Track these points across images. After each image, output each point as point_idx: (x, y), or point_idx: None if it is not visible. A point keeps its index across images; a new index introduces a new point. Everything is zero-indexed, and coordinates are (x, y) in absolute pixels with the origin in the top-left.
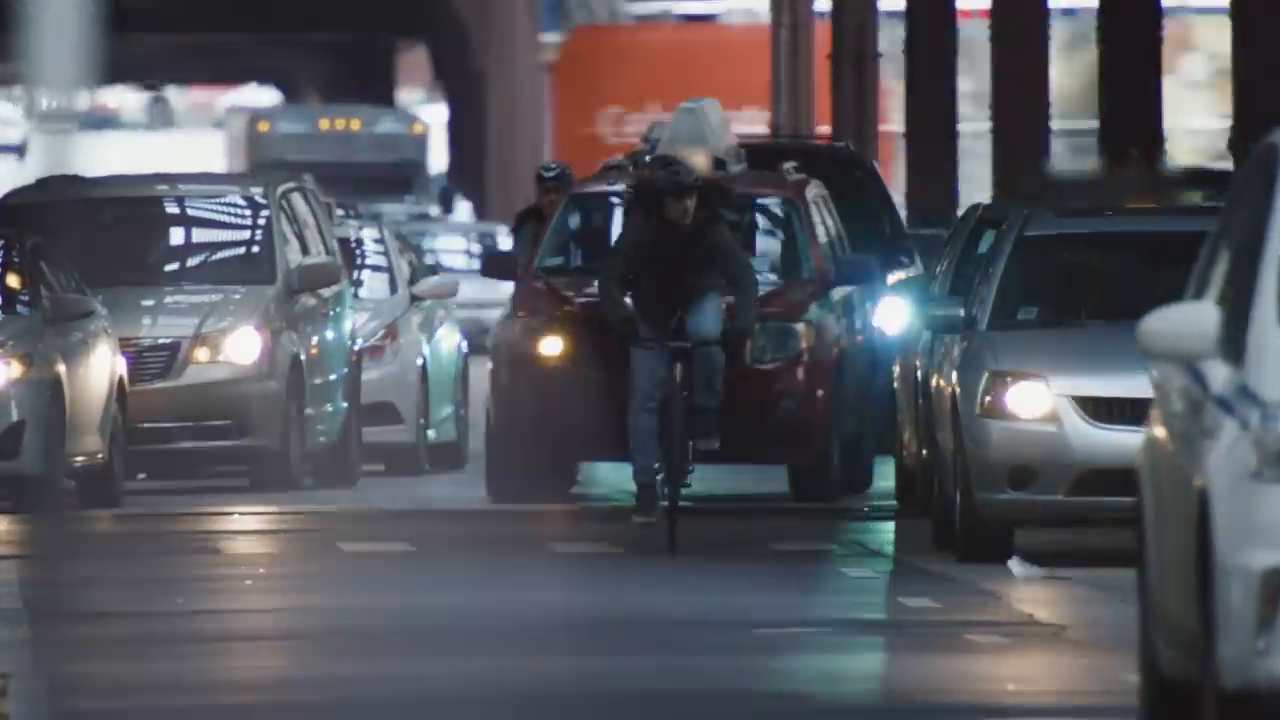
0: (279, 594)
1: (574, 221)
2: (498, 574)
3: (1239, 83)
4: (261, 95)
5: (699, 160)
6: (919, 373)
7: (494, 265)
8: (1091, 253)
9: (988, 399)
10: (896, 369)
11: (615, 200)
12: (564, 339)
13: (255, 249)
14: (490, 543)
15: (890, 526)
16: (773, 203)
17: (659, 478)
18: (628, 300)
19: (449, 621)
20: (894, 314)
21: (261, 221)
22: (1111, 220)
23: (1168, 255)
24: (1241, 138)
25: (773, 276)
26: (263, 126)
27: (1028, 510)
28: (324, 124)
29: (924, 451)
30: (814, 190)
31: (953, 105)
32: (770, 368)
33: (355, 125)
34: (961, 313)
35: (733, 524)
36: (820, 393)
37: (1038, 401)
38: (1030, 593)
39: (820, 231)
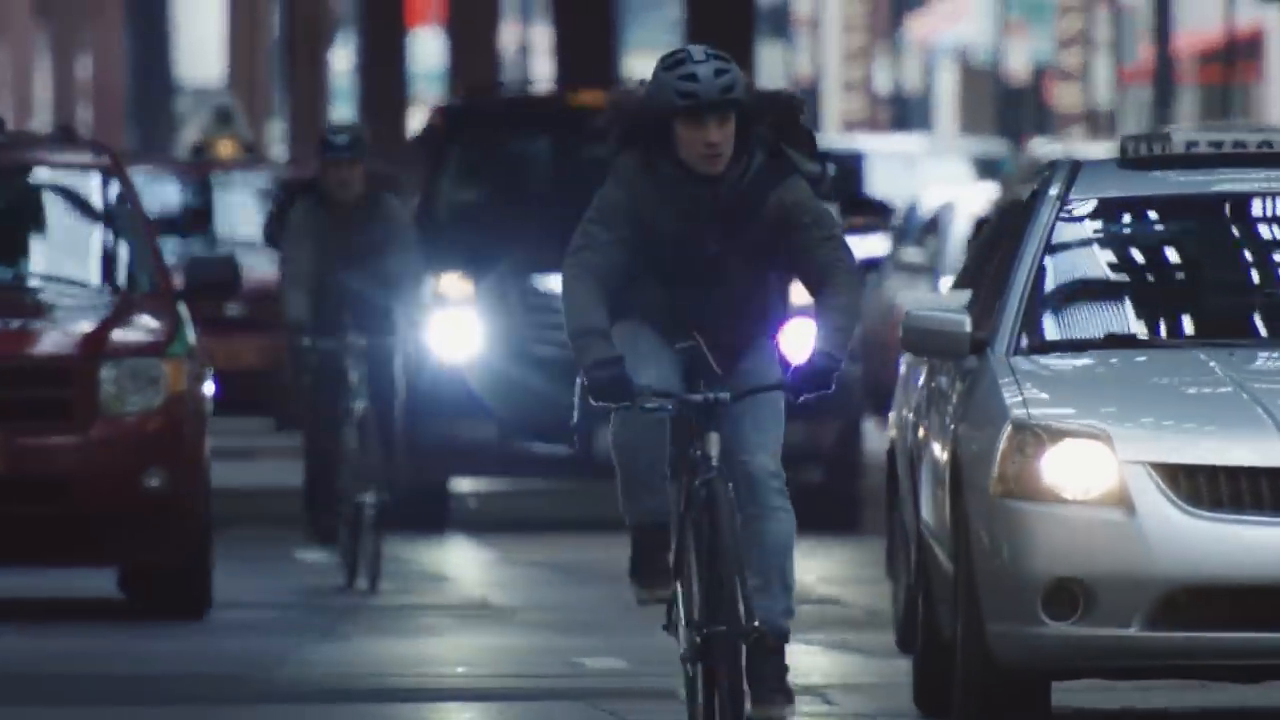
0: None
1: None
2: None
3: None
4: None
5: None
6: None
7: None
8: (1180, 229)
9: (1010, 469)
10: (890, 433)
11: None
12: None
13: None
14: None
15: None
16: (77, 179)
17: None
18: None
19: None
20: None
21: None
22: (1211, 175)
23: None
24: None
25: (92, 285)
26: None
27: (1078, 651)
28: None
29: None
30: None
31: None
32: (125, 422)
33: None
34: (967, 328)
35: None
36: (194, 460)
37: (1095, 472)
38: (484, 576)
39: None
